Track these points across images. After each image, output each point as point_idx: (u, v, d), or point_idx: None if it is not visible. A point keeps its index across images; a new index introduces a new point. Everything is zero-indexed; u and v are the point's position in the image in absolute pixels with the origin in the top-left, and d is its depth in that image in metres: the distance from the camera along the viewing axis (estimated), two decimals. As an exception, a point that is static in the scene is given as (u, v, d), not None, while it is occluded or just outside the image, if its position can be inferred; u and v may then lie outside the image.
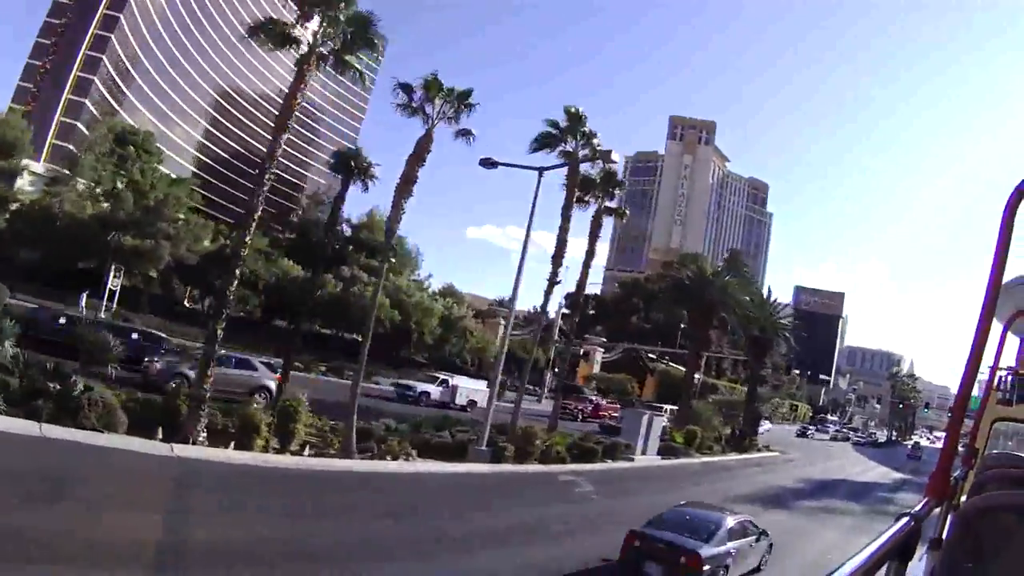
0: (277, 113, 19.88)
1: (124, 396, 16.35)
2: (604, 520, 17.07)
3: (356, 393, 18.60)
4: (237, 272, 17.58)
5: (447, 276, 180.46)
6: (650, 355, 79.31)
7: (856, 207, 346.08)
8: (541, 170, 23.12)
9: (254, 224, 18.14)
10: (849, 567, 1.40)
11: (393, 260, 65.40)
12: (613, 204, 30.92)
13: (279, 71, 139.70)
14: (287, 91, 18.92)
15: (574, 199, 26.85)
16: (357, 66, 20.09)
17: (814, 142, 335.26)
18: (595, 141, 27.02)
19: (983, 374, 8.15)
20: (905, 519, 1.98)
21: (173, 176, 54.72)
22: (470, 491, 19.15)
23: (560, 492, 21.14)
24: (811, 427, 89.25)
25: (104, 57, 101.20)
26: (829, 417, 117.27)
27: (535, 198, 23.33)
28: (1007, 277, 4.04)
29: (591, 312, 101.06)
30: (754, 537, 14.08)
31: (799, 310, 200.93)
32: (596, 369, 69.10)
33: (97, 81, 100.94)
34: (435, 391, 40.19)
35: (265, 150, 18.82)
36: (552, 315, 57.75)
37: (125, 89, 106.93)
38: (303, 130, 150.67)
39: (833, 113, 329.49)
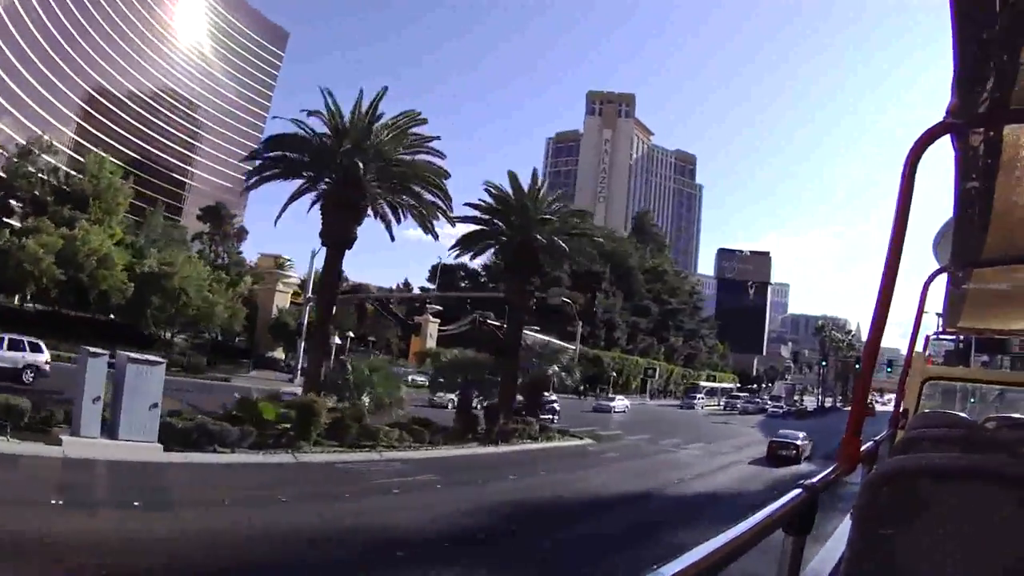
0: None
1: None
2: None
3: None
4: None
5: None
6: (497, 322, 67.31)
7: (795, 178, 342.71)
8: None
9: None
10: (721, 539, 1.28)
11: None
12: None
13: (161, 67, 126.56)
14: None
15: None
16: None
17: (752, 113, 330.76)
18: None
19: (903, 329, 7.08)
20: (797, 491, 1.87)
21: None
22: None
23: None
24: (612, 400, 60.32)
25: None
26: (702, 384, 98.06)
27: None
28: (933, 232, 4.67)
29: (463, 285, 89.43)
30: (809, 441, 32.42)
31: (723, 279, 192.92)
32: (431, 344, 57.03)
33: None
34: None
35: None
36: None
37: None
38: (190, 125, 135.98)
39: (760, 82, 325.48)
